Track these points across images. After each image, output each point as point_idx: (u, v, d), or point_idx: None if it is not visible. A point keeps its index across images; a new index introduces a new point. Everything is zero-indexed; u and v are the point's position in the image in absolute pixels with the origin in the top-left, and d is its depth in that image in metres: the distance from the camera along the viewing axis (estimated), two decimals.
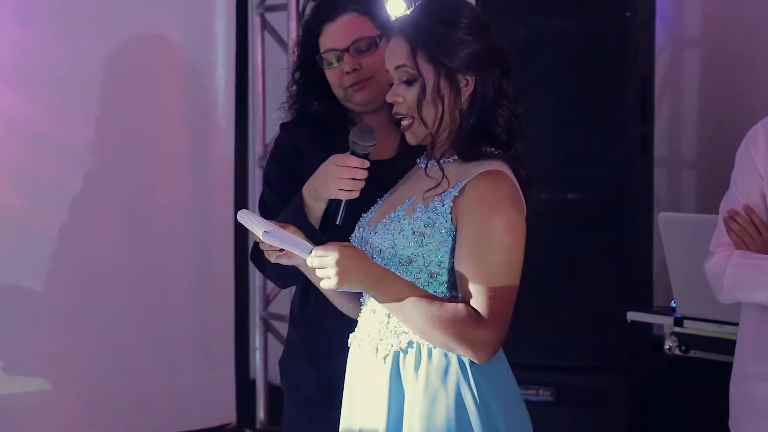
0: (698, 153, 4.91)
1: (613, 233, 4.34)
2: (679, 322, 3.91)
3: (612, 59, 4.31)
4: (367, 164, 2.58)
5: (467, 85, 2.43)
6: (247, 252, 3.62)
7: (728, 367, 3.00)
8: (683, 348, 3.92)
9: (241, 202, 4.95)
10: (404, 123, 2.47)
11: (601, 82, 4.31)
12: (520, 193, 2.42)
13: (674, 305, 3.97)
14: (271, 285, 4.87)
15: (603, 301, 4.32)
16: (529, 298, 4.05)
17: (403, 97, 2.45)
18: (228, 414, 5.04)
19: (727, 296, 2.86)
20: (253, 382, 5.17)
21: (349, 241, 2.52)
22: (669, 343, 3.95)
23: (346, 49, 2.80)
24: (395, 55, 2.46)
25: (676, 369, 4.10)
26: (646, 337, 4.45)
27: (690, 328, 3.89)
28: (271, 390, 5.02)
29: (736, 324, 3.00)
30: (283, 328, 4.13)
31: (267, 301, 5.15)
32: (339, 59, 2.81)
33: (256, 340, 5.15)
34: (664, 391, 4.26)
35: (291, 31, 4.86)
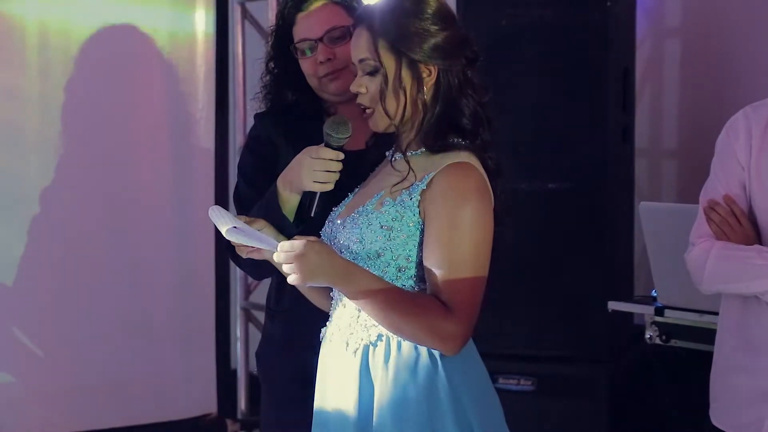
0: (679, 143, 4.91)
1: (593, 223, 4.34)
2: (659, 311, 3.91)
3: (593, 49, 4.30)
4: (342, 156, 2.57)
5: (430, 75, 2.43)
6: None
7: (709, 356, 3.00)
8: (664, 337, 3.93)
9: (221, 193, 4.94)
10: (367, 111, 2.48)
11: (581, 71, 4.30)
12: (488, 184, 2.41)
13: (655, 295, 3.98)
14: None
15: (584, 291, 4.32)
16: (511, 287, 4.08)
17: (366, 88, 2.45)
18: (209, 404, 5.03)
19: (709, 287, 2.86)
20: (234, 372, 5.17)
21: (320, 236, 2.52)
22: (650, 333, 3.96)
23: (320, 39, 2.80)
24: (358, 46, 2.46)
25: (657, 358, 4.10)
26: (626, 327, 4.45)
27: (671, 317, 3.89)
28: (252, 380, 5.01)
29: (717, 314, 3.00)
30: (264, 318, 4.12)
31: (248, 291, 5.14)
32: (313, 49, 2.81)
33: (237, 330, 5.15)
34: (644, 381, 4.26)
35: (271, 20, 4.82)
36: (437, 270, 2.33)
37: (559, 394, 4.32)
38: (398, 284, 2.38)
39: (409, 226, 2.37)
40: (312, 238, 2.35)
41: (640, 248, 4.47)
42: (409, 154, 2.44)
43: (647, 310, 3.97)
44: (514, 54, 4.19)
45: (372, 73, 2.44)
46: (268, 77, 2.92)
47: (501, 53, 4.06)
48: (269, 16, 4.90)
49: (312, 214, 2.58)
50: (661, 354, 4.03)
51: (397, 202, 2.39)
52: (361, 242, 2.39)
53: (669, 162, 4.97)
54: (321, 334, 2.54)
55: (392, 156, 2.48)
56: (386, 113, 2.44)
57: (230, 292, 5.16)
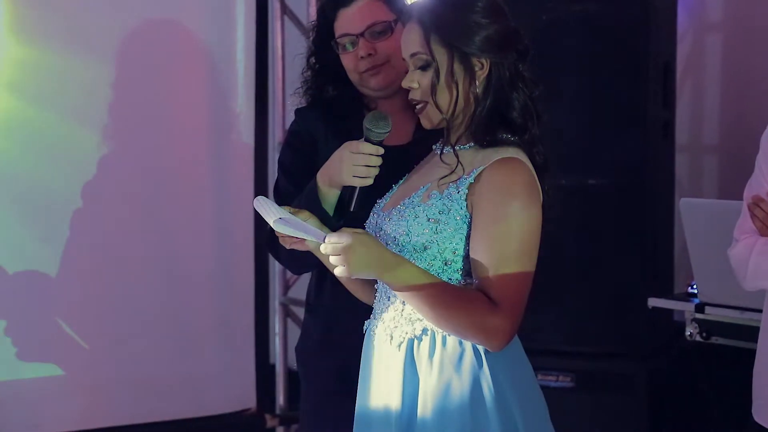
0: (720, 138, 4.88)
1: (633, 219, 4.32)
2: (700, 308, 3.90)
3: (633, 43, 4.28)
4: (381, 151, 2.57)
5: (482, 68, 2.42)
6: None
7: (750, 353, 2.98)
8: (704, 334, 3.91)
9: (260, 188, 4.95)
10: (418, 107, 2.47)
11: (622, 66, 4.28)
12: (536, 180, 2.40)
13: (695, 291, 3.95)
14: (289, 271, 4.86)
15: (624, 287, 4.30)
16: (550, 283, 4.07)
17: (418, 83, 2.45)
18: (248, 399, 5.04)
19: (752, 284, 2.84)
20: (273, 367, 5.17)
21: (364, 228, 2.52)
22: (690, 330, 3.94)
23: (361, 34, 2.80)
24: (409, 41, 2.46)
25: (697, 355, 4.08)
26: (666, 324, 4.43)
27: (711, 314, 3.88)
28: (291, 375, 5.01)
29: (759, 310, 2.98)
30: (302, 313, 4.14)
31: (287, 286, 5.15)
32: (354, 44, 2.81)
33: (276, 325, 5.15)
34: (684, 378, 4.24)
35: (311, 15, 4.84)
36: (484, 264, 2.32)
37: (599, 390, 4.31)
38: (444, 277, 2.38)
39: (456, 220, 2.37)
40: (359, 230, 2.35)
41: (680, 244, 4.45)
42: (457, 147, 2.43)
43: (687, 307, 3.95)
44: (555, 48, 4.18)
45: (424, 68, 2.44)
46: (309, 72, 2.92)
47: (541, 47, 4.04)
48: (309, 11, 4.91)
49: (352, 209, 2.58)
50: (702, 351, 4.01)
51: (444, 195, 2.38)
52: (407, 234, 2.39)
53: (710, 158, 4.94)
54: (364, 327, 2.54)
55: (441, 149, 2.48)
56: (438, 107, 2.43)
57: (269, 287, 5.16)
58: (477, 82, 2.42)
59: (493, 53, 2.42)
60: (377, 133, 2.55)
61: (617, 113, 4.29)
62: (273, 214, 2.39)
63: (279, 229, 2.40)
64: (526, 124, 2.44)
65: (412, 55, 2.45)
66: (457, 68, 2.42)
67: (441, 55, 2.41)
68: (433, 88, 2.42)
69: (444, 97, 2.43)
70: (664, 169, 4.49)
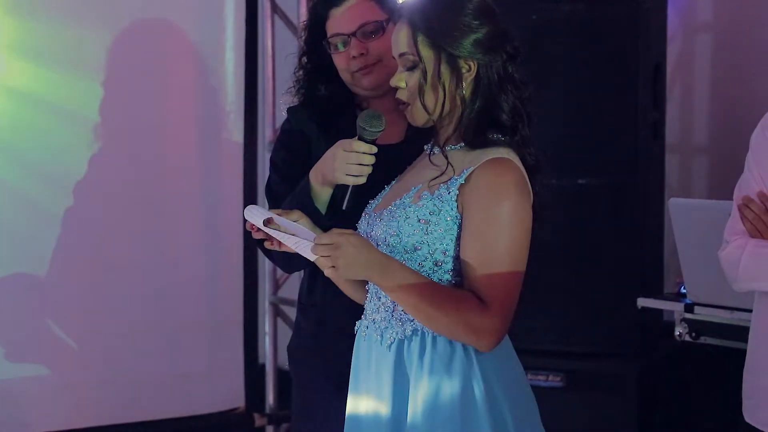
0: (710, 138, 4.89)
1: (624, 219, 4.33)
2: (689, 308, 3.90)
3: (624, 44, 4.29)
4: (375, 150, 2.57)
5: (469, 70, 2.42)
6: None
7: (739, 353, 2.99)
8: (694, 334, 3.92)
9: (250, 187, 4.94)
10: (401, 106, 2.49)
11: (612, 67, 4.29)
12: (527, 180, 2.41)
13: (685, 291, 3.96)
14: (280, 270, 4.85)
15: (613, 287, 4.31)
16: (540, 283, 4.06)
17: (405, 82, 2.45)
18: (237, 398, 5.03)
19: (743, 285, 2.84)
20: (262, 366, 5.16)
21: (355, 228, 2.52)
22: (679, 330, 3.95)
23: (353, 34, 2.80)
24: (398, 41, 2.46)
25: (687, 355, 4.09)
26: (656, 323, 4.44)
27: (701, 314, 3.89)
28: (280, 375, 5.01)
29: (748, 310, 2.98)
30: (292, 312, 4.12)
31: (276, 285, 5.14)
32: (346, 44, 2.81)
33: (266, 324, 5.14)
34: (674, 378, 4.25)
35: (301, 15, 4.83)
36: (474, 265, 2.33)
37: (588, 390, 4.31)
38: (435, 278, 2.38)
39: (446, 220, 2.37)
40: (349, 231, 2.35)
41: (669, 244, 4.45)
42: (447, 148, 2.44)
43: (677, 307, 3.96)
44: (545, 49, 4.18)
45: (411, 68, 2.44)
46: (300, 72, 2.92)
47: (532, 48, 4.05)
48: (299, 10, 4.91)
49: (344, 208, 2.58)
50: (691, 351, 4.02)
51: (434, 195, 2.38)
52: (398, 235, 2.39)
53: (699, 158, 4.95)
54: (355, 328, 2.54)
55: (431, 150, 2.48)
56: (425, 108, 2.43)
57: (258, 286, 5.16)
58: (464, 84, 2.42)
59: (481, 55, 2.42)
60: (371, 131, 2.56)
61: (607, 113, 4.30)
62: (262, 218, 2.39)
63: (269, 232, 2.40)
64: (516, 125, 2.44)
65: (400, 55, 2.46)
66: (444, 70, 2.42)
67: (428, 56, 2.42)
68: (420, 89, 2.43)
69: (430, 98, 2.43)
70: (654, 169, 4.49)
